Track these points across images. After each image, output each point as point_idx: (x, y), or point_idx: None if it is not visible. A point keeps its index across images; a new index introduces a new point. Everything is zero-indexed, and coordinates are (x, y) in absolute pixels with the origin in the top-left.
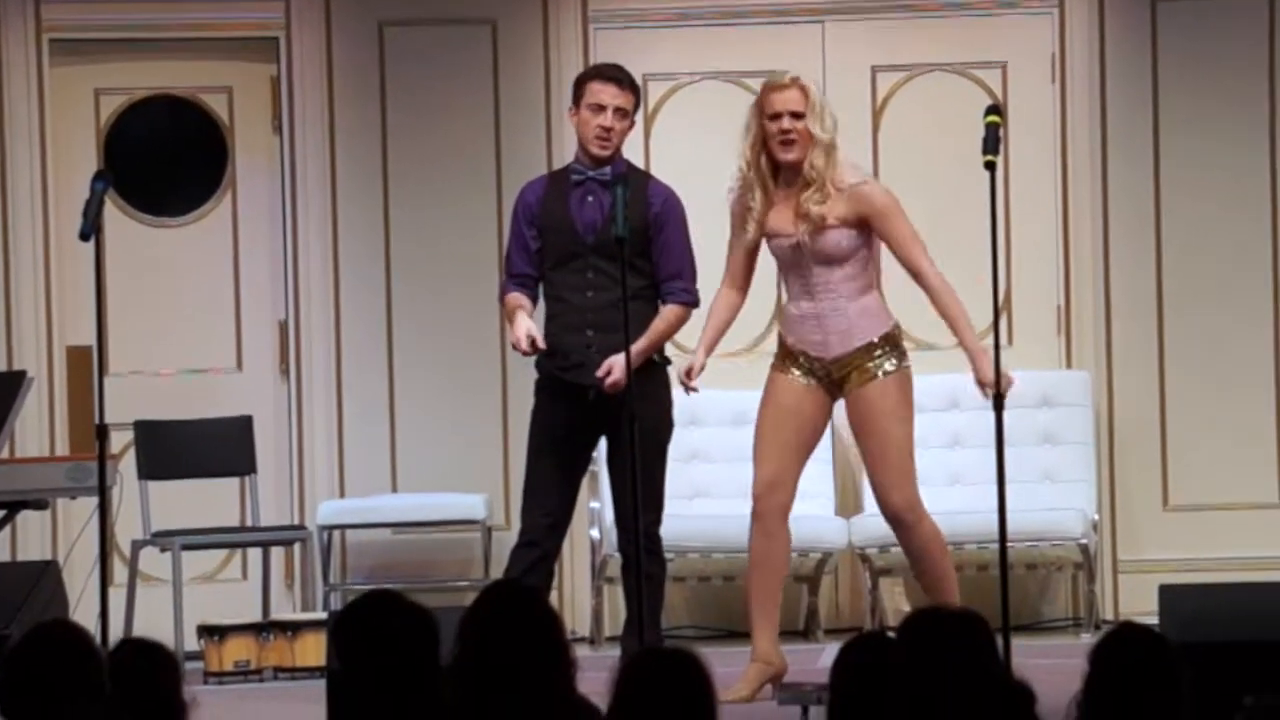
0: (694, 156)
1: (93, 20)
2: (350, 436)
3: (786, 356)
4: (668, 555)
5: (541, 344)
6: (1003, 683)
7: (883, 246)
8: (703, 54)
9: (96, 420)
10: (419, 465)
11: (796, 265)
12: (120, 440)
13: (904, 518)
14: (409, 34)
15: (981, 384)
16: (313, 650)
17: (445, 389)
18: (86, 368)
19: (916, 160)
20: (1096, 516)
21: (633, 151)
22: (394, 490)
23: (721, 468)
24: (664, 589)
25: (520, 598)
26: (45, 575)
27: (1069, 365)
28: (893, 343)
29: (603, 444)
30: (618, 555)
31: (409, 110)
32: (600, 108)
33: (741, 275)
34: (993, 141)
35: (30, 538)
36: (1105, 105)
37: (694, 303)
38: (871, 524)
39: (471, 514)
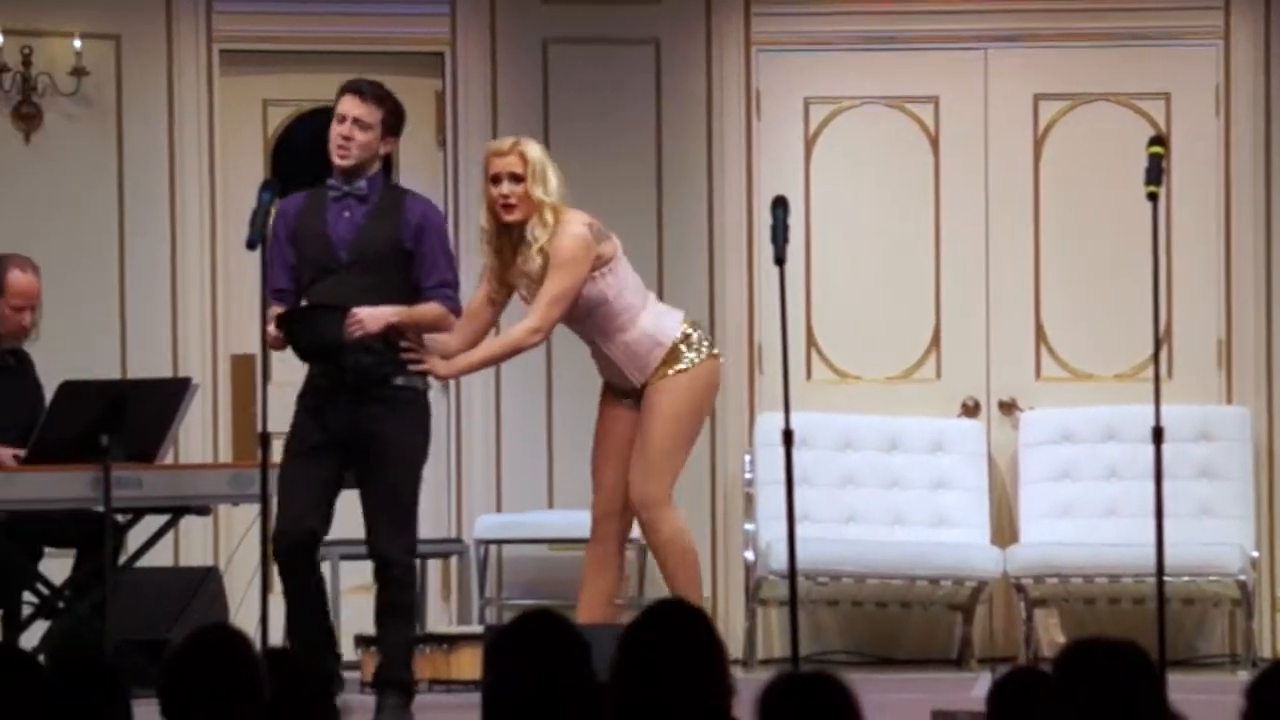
0: (854, 179)
1: (263, 32)
2: (508, 452)
3: (609, 385)
4: (821, 579)
5: (274, 334)
6: (1164, 717)
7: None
8: (864, 78)
9: (259, 428)
10: (576, 482)
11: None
12: (282, 448)
13: (641, 513)
14: (573, 52)
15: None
16: (468, 663)
17: None
18: (250, 376)
19: (1077, 190)
20: (1256, 553)
21: (793, 173)
22: (550, 506)
23: (873, 492)
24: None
25: (686, 617)
26: (206, 581)
27: (1229, 400)
28: (684, 344)
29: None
30: (771, 577)
31: (571, 127)
32: (341, 118)
33: (475, 322)
34: (1155, 172)
35: (193, 544)
36: (1270, 137)
37: (457, 310)
38: (1027, 554)
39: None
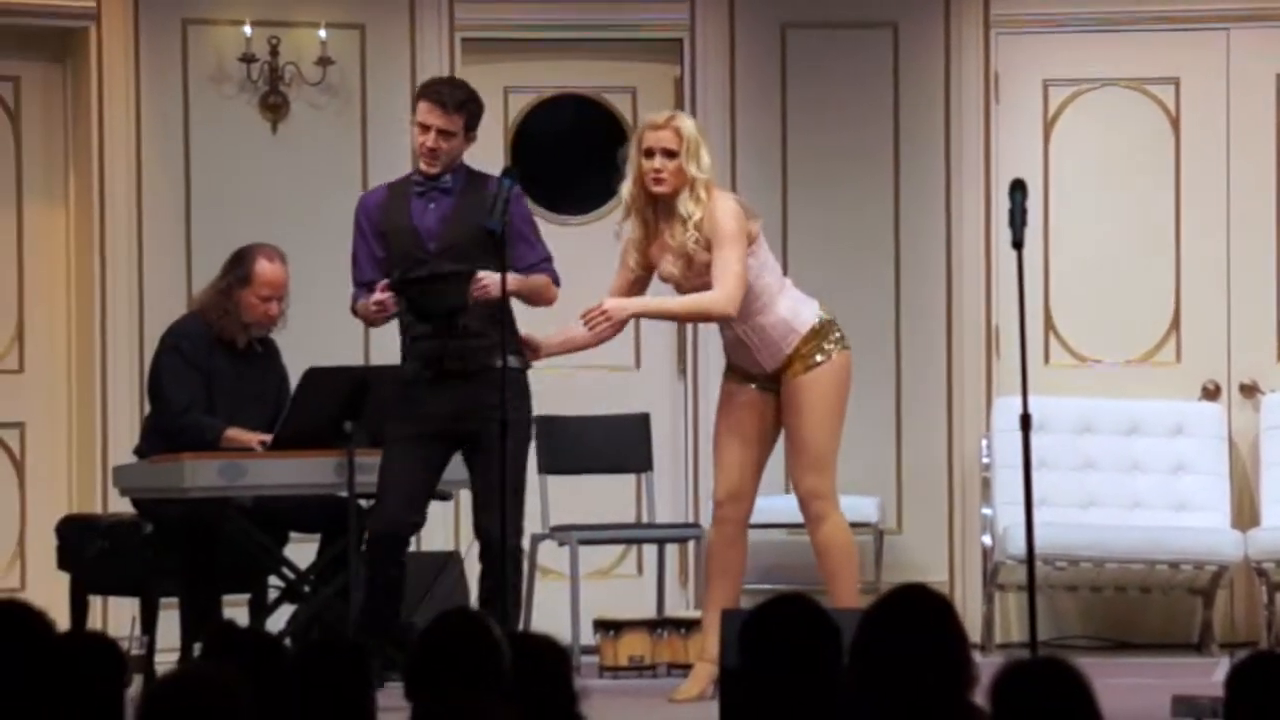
0: (1095, 162)
1: (503, 20)
2: None
3: (735, 369)
4: (1059, 564)
5: (385, 298)
6: None
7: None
8: (1104, 60)
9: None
10: None
11: None
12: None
13: (809, 506)
14: (811, 36)
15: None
16: None
17: None
18: None
19: None
20: None
21: (1031, 155)
22: (786, 491)
23: (1112, 476)
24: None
25: (928, 602)
26: (448, 566)
27: None
28: (821, 334)
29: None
30: (1009, 561)
31: (809, 112)
32: (425, 128)
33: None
34: None
35: (434, 529)
36: None
37: (557, 280)
38: (1269, 537)
39: (864, 517)
